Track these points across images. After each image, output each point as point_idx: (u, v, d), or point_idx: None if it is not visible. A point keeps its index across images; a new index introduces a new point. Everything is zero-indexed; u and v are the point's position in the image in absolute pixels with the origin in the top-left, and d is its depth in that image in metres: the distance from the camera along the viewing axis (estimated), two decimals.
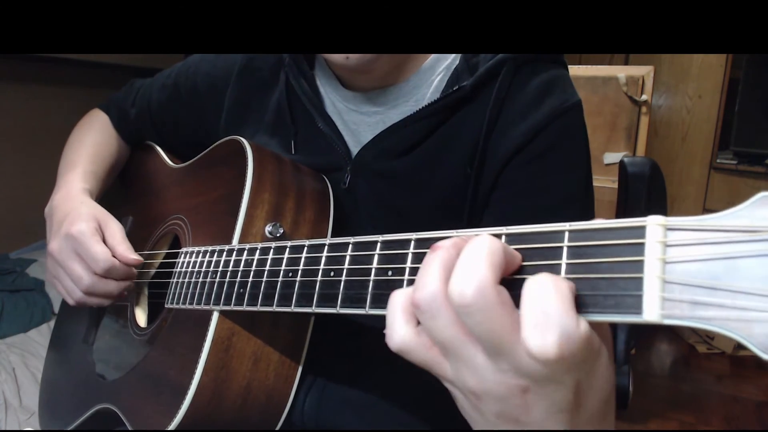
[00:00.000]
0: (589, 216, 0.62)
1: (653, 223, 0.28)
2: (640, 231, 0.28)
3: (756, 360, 2.47)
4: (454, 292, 0.29)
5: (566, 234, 0.31)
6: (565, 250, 0.31)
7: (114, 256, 0.68)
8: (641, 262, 0.28)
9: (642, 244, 0.28)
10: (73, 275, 0.69)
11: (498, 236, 0.34)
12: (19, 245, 2.29)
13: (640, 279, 0.28)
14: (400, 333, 0.33)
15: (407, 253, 0.38)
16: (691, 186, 2.88)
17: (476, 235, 0.33)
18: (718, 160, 2.79)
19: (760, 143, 2.61)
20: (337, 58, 0.59)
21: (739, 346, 2.54)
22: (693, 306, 0.26)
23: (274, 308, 0.50)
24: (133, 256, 0.69)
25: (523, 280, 0.32)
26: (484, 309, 0.29)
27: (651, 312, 0.27)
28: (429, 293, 0.31)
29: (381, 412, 0.67)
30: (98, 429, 0.77)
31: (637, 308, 0.27)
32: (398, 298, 0.34)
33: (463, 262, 0.30)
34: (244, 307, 0.54)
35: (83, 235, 0.68)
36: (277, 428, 0.64)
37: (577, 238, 0.31)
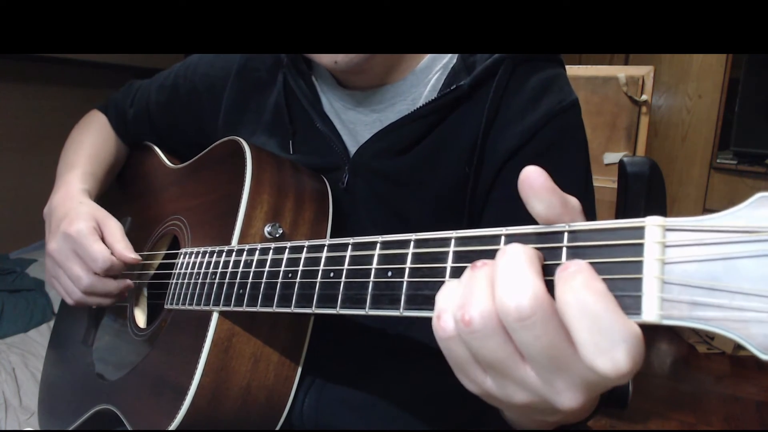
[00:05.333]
0: (590, 216, 0.62)
1: (652, 223, 0.28)
2: (639, 232, 0.28)
3: (756, 360, 2.45)
4: (509, 307, 0.27)
5: (565, 235, 0.31)
6: (564, 250, 0.31)
7: (112, 255, 0.68)
8: (640, 262, 0.28)
9: (641, 245, 0.28)
10: (71, 275, 0.69)
11: (497, 237, 0.34)
12: (19, 245, 2.29)
13: (639, 279, 0.28)
14: (452, 325, 0.31)
15: (407, 254, 0.38)
16: (691, 186, 2.88)
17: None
18: (718, 160, 2.79)
19: (760, 143, 2.61)
20: (325, 61, 0.59)
21: (740, 346, 2.53)
22: (692, 306, 0.26)
23: (274, 309, 0.50)
24: (131, 254, 0.69)
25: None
26: (542, 320, 0.27)
27: (650, 312, 0.27)
28: (485, 310, 0.28)
29: (380, 412, 0.67)
30: (98, 429, 0.77)
31: (637, 309, 0.27)
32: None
33: (507, 274, 0.28)
34: (244, 308, 0.54)
35: (81, 234, 0.68)
36: (277, 428, 0.64)
37: (576, 239, 0.31)
